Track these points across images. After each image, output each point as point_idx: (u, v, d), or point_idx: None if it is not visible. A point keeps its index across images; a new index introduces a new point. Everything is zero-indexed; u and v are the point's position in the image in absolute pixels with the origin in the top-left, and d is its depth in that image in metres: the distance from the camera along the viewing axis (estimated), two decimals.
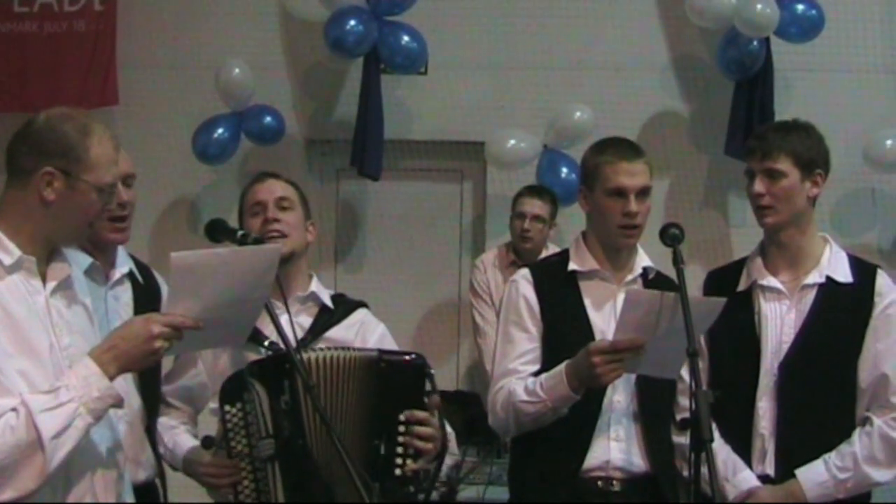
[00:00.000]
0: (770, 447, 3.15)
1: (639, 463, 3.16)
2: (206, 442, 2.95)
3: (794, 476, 3.11)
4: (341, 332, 3.12)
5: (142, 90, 6.79)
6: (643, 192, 3.19)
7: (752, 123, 5.92)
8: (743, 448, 3.17)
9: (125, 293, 3.16)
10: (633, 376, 3.14)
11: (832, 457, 3.12)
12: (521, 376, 3.18)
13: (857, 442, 3.12)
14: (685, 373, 3.09)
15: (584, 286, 3.25)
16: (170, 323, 2.47)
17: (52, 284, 2.51)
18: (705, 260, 5.85)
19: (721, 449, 3.12)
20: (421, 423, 2.86)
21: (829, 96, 6.34)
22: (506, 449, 4.53)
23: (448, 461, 3.04)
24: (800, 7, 6.05)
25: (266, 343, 3.01)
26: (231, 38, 6.78)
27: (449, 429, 3.00)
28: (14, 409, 2.32)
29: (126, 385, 2.66)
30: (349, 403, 2.86)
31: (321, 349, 2.95)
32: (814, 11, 6.07)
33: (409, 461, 2.86)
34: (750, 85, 6.21)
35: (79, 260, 2.84)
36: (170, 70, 6.82)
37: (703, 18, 6.19)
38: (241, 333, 2.77)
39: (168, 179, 6.71)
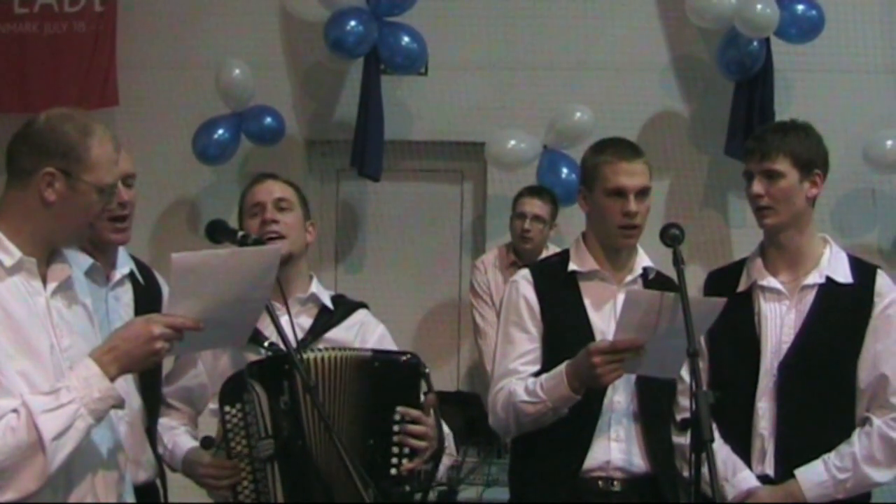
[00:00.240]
0: (770, 447, 3.15)
1: (639, 463, 3.17)
2: (206, 442, 2.95)
3: (793, 476, 3.11)
4: (341, 333, 3.12)
5: (142, 90, 6.79)
6: (643, 193, 3.19)
7: (752, 124, 5.92)
8: (742, 448, 3.17)
9: (126, 294, 3.16)
10: (633, 377, 3.14)
11: (832, 457, 3.12)
12: (521, 377, 3.18)
13: (857, 442, 3.12)
14: (685, 373, 3.10)
15: (584, 286, 3.25)
16: (170, 324, 2.47)
17: (52, 285, 2.51)
18: (705, 260, 5.86)
19: (721, 449, 3.12)
20: (415, 421, 2.87)
21: (829, 97, 6.34)
22: (506, 449, 4.53)
23: (446, 461, 3.05)
24: (800, 7, 6.05)
25: (266, 344, 3.01)
26: (231, 38, 6.78)
27: (446, 429, 3.01)
28: (15, 411, 2.32)
29: (126, 386, 2.66)
30: (343, 403, 2.86)
31: (318, 349, 2.95)
32: (814, 12, 6.08)
33: (404, 460, 2.87)
34: (750, 85, 6.21)
35: (79, 261, 2.84)
36: (170, 70, 6.83)
37: (703, 19, 6.19)
38: (242, 334, 2.77)
39: (168, 180, 6.71)
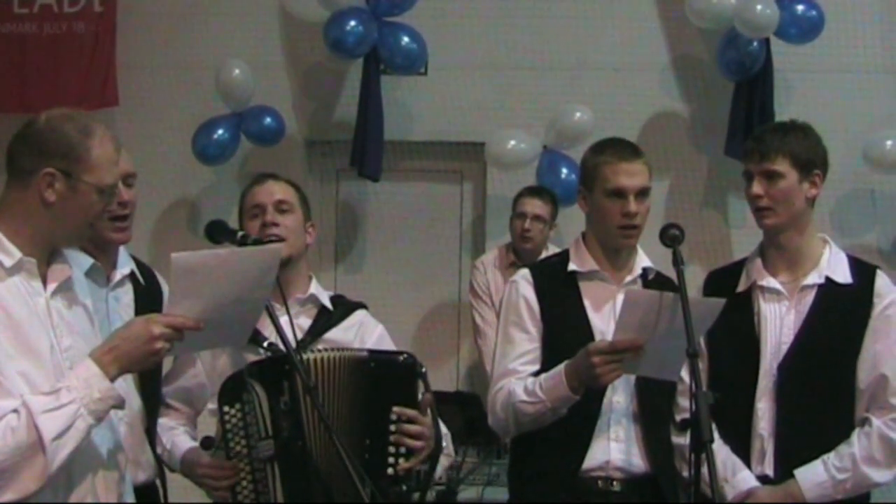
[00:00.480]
0: (769, 448, 3.15)
1: (638, 463, 3.17)
2: (206, 443, 2.95)
3: (792, 476, 3.11)
4: (340, 334, 3.12)
5: (142, 90, 6.79)
6: (642, 193, 3.19)
7: (751, 124, 5.92)
8: (742, 449, 3.17)
9: (126, 294, 3.16)
10: (632, 377, 3.14)
11: (831, 457, 3.12)
12: (520, 376, 3.18)
13: (856, 443, 3.12)
14: (685, 373, 3.09)
15: (584, 287, 3.25)
16: (170, 324, 2.47)
17: (52, 286, 2.50)
18: (705, 260, 5.87)
19: (720, 449, 3.12)
20: (411, 421, 2.87)
21: (829, 97, 6.34)
22: (505, 449, 4.54)
23: (444, 461, 3.05)
24: (800, 8, 6.05)
25: (265, 344, 3.00)
26: (231, 39, 6.78)
27: (444, 429, 3.01)
28: (15, 411, 2.32)
29: (126, 386, 2.66)
30: (340, 403, 2.86)
31: (315, 350, 2.95)
32: (813, 12, 6.07)
33: (401, 460, 2.87)
34: (750, 85, 6.21)
35: (79, 261, 2.84)
36: (170, 70, 6.83)
37: (703, 19, 6.19)
38: (242, 334, 2.77)
39: (168, 180, 6.71)
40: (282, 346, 2.74)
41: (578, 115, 6.34)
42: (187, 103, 6.73)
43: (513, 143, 6.40)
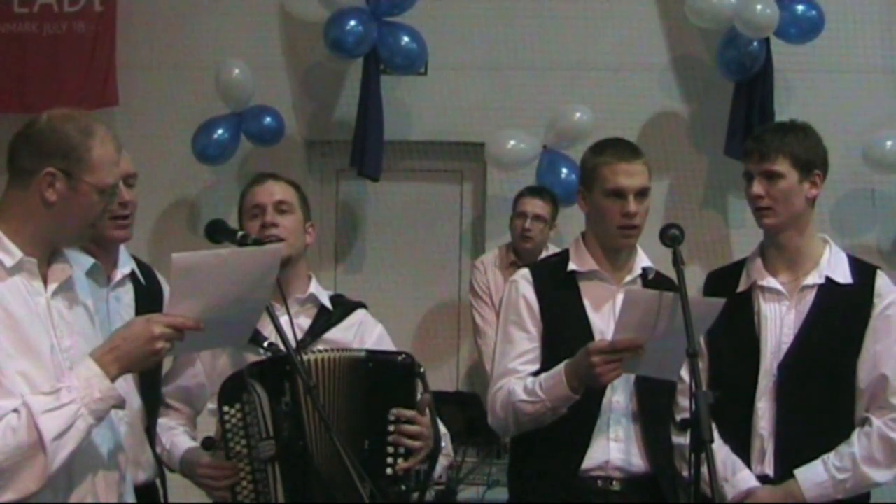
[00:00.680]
0: (769, 447, 3.15)
1: (638, 463, 3.17)
2: (207, 443, 2.95)
3: (792, 476, 3.12)
4: (340, 334, 3.12)
5: (142, 90, 6.79)
6: (642, 193, 3.19)
7: (751, 124, 5.92)
8: (742, 448, 3.18)
9: (127, 294, 3.16)
10: (632, 376, 3.14)
11: (831, 457, 3.12)
12: (520, 376, 3.19)
13: (856, 442, 3.12)
14: (685, 373, 3.10)
15: (584, 286, 3.25)
16: (171, 324, 2.47)
17: (53, 286, 2.51)
18: (705, 260, 5.87)
19: (720, 449, 3.12)
20: (410, 421, 2.87)
21: (829, 97, 6.34)
22: (505, 449, 4.54)
23: (443, 462, 3.05)
24: (800, 8, 6.05)
25: (265, 344, 3.00)
26: (231, 38, 6.78)
27: (443, 429, 3.01)
28: (15, 411, 2.33)
29: (126, 386, 2.65)
30: (338, 404, 2.86)
31: (314, 351, 2.95)
32: (814, 12, 6.08)
33: (399, 460, 2.87)
34: (750, 85, 6.21)
35: (80, 261, 2.84)
36: (170, 70, 6.83)
37: (702, 19, 6.19)
38: (243, 334, 2.77)
39: (168, 180, 6.71)
40: (282, 347, 2.74)
41: (578, 115, 6.34)
42: (187, 103, 6.73)
43: (513, 143, 6.40)
